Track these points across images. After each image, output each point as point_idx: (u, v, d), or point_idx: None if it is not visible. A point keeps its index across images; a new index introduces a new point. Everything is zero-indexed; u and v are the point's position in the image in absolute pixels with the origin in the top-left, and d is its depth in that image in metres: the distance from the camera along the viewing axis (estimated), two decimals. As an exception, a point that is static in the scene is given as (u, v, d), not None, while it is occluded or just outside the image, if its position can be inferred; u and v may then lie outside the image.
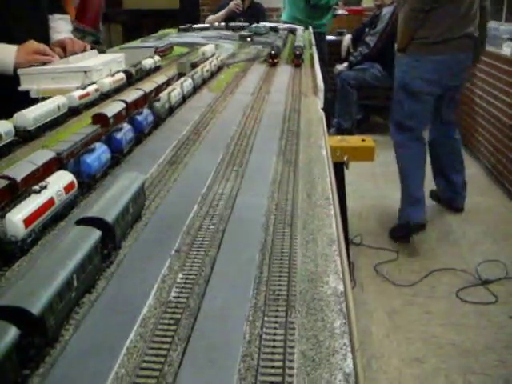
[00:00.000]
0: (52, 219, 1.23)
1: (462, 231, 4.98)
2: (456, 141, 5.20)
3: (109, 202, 1.12)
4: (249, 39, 4.80)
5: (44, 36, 3.24)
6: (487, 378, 3.29)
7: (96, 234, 1.01)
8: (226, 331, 0.89)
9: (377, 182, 6.15)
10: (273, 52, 3.53)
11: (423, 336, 3.64)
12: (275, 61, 3.50)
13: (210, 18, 7.20)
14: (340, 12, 8.76)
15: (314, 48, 4.15)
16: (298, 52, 3.49)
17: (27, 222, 1.11)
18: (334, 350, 0.87)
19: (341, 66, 7.59)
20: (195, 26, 6.10)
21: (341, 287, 1.03)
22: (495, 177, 6.16)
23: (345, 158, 2.57)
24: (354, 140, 2.85)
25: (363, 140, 2.83)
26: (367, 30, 7.54)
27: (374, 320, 3.79)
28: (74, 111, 2.23)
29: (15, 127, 1.84)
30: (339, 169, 2.76)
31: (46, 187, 1.22)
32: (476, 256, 4.51)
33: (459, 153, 5.26)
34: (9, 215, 1.08)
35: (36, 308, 0.79)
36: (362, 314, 3.78)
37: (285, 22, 7.10)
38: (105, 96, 2.47)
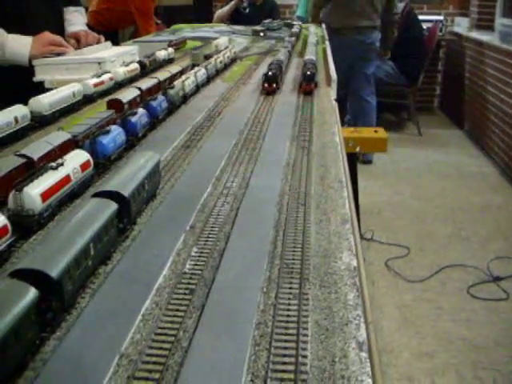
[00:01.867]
0: (68, 196, 1.25)
1: (473, 228, 4.96)
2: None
3: (125, 177, 1.14)
4: (262, 34, 4.81)
5: (59, 28, 3.26)
6: (497, 374, 3.28)
7: (112, 206, 1.02)
8: (240, 301, 0.90)
9: (388, 178, 6.14)
10: (269, 73, 2.40)
11: (434, 331, 3.63)
12: (273, 87, 2.40)
13: (218, 12, 7.19)
14: None
15: (327, 43, 4.14)
16: (309, 72, 2.40)
17: (44, 196, 1.13)
18: (347, 321, 0.87)
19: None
20: None
21: (354, 263, 1.04)
22: (508, 175, 6.13)
23: (357, 149, 2.57)
24: (367, 131, 2.84)
25: (376, 131, 2.83)
26: (379, 26, 7.52)
27: (385, 315, 3.79)
28: (88, 99, 2.24)
29: (31, 112, 1.86)
30: (352, 160, 2.76)
31: (62, 164, 1.23)
32: (487, 253, 4.49)
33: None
34: (27, 189, 1.10)
35: (54, 271, 0.80)
36: (372, 309, 3.77)
37: (299, 18, 7.06)
38: (119, 85, 2.49)
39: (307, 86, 2.36)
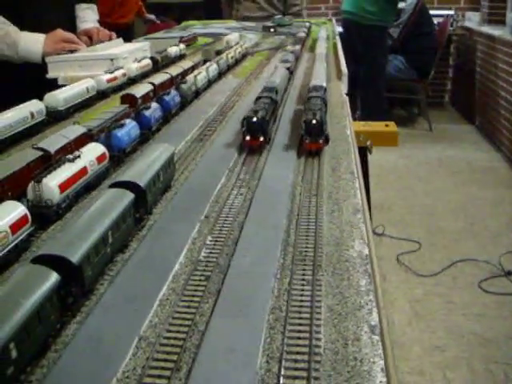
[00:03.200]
0: (85, 187, 1.28)
1: (484, 222, 4.95)
2: None
3: (141, 168, 1.16)
4: (272, 30, 4.82)
5: (71, 25, 3.29)
6: (508, 368, 3.28)
7: (129, 196, 1.05)
8: (254, 286, 0.93)
9: (399, 173, 6.13)
10: (253, 119, 1.55)
11: (445, 325, 3.64)
12: (259, 141, 1.57)
13: None
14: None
15: (338, 38, 4.14)
16: (314, 121, 1.52)
17: (62, 187, 1.16)
18: (359, 306, 0.89)
19: (364, 59, 7.55)
20: None
21: (366, 251, 1.06)
22: (519, 169, 6.11)
23: (368, 143, 2.58)
24: (378, 125, 2.86)
25: (387, 125, 2.84)
26: (390, 21, 7.48)
27: (396, 309, 3.80)
28: (102, 94, 2.27)
29: (46, 107, 1.89)
30: (363, 154, 2.76)
31: (79, 157, 1.26)
32: (499, 247, 4.48)
33: None
34: (45, 180, 1.13)
35: (75, 257, 0.83)
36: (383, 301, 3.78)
37: (344, 13, 6.76)
38: (132, 81, 2.52)
39: (312, 143, 1.53)
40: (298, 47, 3.19)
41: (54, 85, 2.57)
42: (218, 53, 3.03)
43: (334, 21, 5.66)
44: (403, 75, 7.35)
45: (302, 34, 3.94)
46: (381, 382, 0.74)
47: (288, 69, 2.41)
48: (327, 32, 4.37)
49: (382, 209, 5.16)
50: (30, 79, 2.62)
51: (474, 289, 4.00)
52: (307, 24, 4.87)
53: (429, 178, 5.98)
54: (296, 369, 0.76)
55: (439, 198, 5.47)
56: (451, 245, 4.60)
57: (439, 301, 3.90)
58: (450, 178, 5.89)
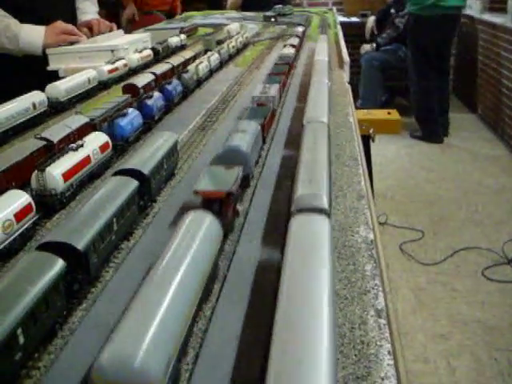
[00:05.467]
0: (88, 176, 1.28)
1: (487, 210, 4.95)
2: None
3: (145, 156, 1.16)
4: (273, 19, 4.80)
5: (71, 17, 3.28)
6: (512, 355, 3.29)
7: (133, 183, 1.04)
8: (259, 272, 0.92)
9: (402, 162, 6.12)
10: None
11: (448, 313, 3.64)
12: None
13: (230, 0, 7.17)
14: None
15: (339, 27, 4.12)
16: None
17: (66, 176, 1.16)
18: (365, 290, 0.89)
19: (367, 47, 7.51)
20: None
21: (371, 236, 1.05)
22: (522, 158, 6.09)
23: (370, 131, 2.58)
24: (380, 113, 2.85)
25: (389, 113, 2.83)
26: (393, 11, 7.41)
27: (400, 297, 3.80)
28: (103, 85, 2.27)
29: (48, 98, 1.89)
30: (365, 142, 2.76)
31: (82, 146, 1.26)
32: (502, 235, 4.48)
33: None
34: (49, 169, 1.13)
35: (80, 244, 0.83)
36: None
37: (451, 8, 6.43)
38: (133, 72, 2.51)
39: None
40: (274, 90, 1.69)
41: (55, 76, 2.57)
42: (219, 43, 3.02)
43: (334, 10, 5.64)
44: (404, 65, 7.31)
45: (289, 51, 2.44)
46: (388, 364, 0.74)
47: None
48: (329, 38, 3.51)
49: (385, 198, 5.16)
50: (32, 71, 2.62)
51: (477, 277, 4.00)
52: (300, 29, 3.58)
53: (431, 166, 5.97)
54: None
55: (442, 186, 5.47)
56: (454, 233, 4.60)
57: (443, 289, 3.90)
58: (453, 166, 5.88)
